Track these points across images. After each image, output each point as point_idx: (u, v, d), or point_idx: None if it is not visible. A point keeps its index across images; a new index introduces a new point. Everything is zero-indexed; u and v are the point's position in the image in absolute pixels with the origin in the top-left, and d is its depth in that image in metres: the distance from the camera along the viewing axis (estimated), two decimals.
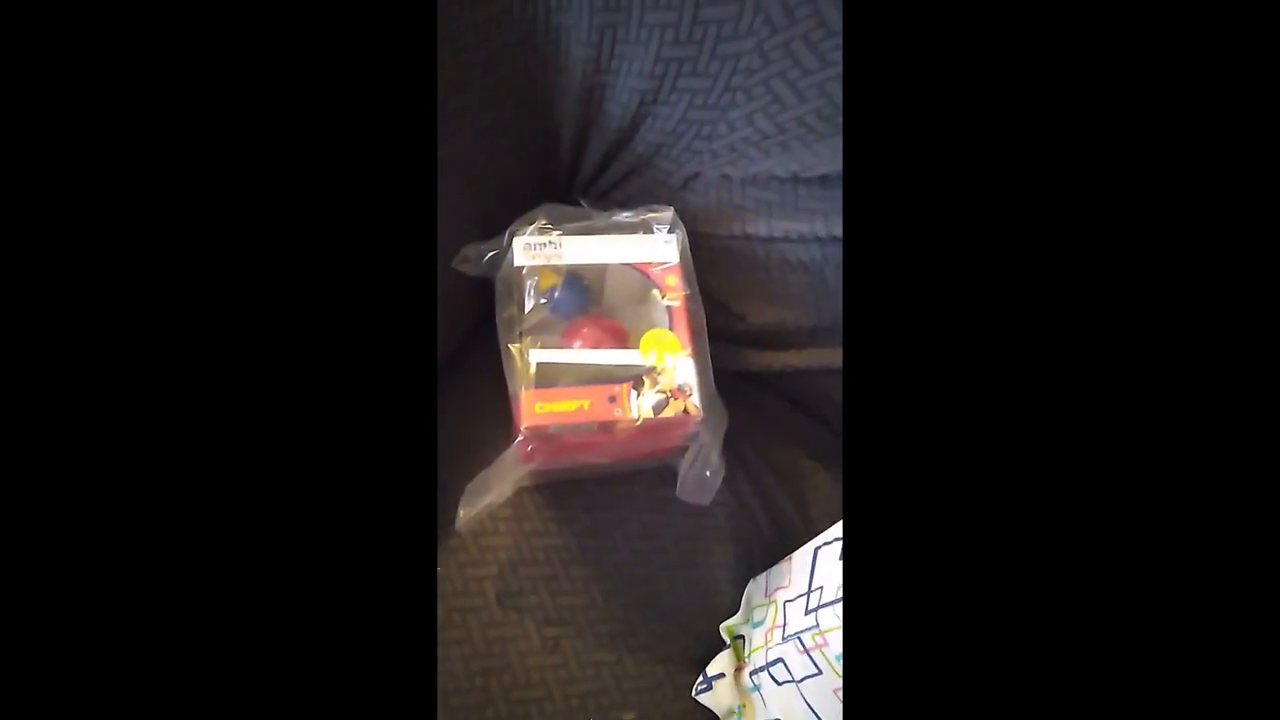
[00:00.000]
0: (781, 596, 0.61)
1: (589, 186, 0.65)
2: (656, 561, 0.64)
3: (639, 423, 0.54)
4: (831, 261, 0.59)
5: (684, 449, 0.60)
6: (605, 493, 0.65)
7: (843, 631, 0.42)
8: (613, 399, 0.55)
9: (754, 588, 0.66)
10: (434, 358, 0.53)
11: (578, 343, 0.59)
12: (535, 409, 0.54)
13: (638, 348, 0.57)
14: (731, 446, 0.70)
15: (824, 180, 0.55)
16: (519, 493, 0.63)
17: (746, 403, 0.70)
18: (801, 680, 0.57)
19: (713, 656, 0.63)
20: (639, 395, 0.55)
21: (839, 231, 0.56)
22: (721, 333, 0.67)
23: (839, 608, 0.51)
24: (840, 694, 0.54)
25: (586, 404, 0.54)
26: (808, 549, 0.62)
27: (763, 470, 0.69)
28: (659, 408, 0.55)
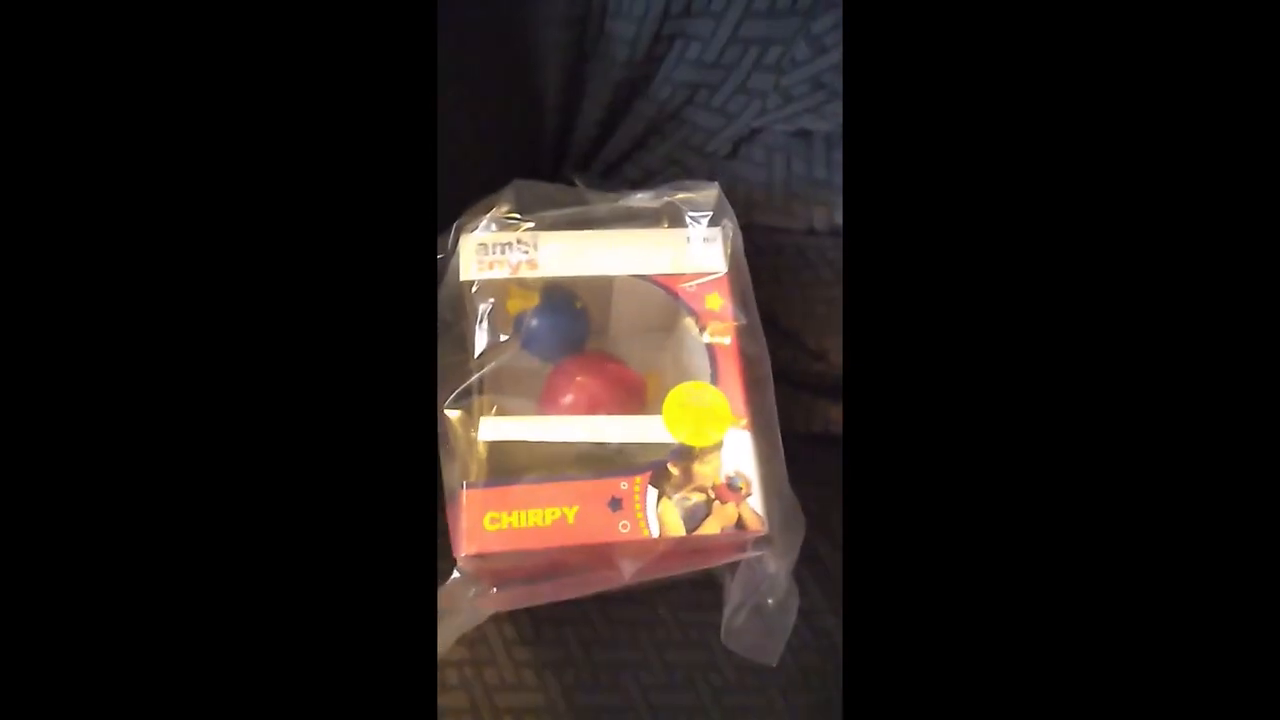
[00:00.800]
0: None
1: (587, 158, 0.43)
2: None
3: (661, 547, 0.33)
4: None
5: (733, 563, 0.38)
6: (612, 618, 0.44)
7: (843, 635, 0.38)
8: (616, 504, 0.33)
9: None
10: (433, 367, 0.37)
11: (568, 398, 0.37)
12: (485, 523, 0.32)
13: (659, 413, 0.35)
14: (804, 547, 0.48)
15: None
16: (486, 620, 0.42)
17: (827, 480, 0.49)
18: None
19: None
20: (661, 498, 0.33)
21: None
22: (792, 375, 0.45)
23: None
24: None
25: (571, 514, 0.33)
26: None
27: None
28: (695, 519, 0.33)
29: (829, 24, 0.35)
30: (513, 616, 0.44)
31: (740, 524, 0.34)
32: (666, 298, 0.38)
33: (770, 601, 0.39)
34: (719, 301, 0.38)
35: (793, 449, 0.45)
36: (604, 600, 0.45)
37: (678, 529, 0.33)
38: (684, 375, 0.37)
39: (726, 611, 0.39)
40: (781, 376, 0.43)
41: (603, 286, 0.39)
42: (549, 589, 0.35)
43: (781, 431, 0.39)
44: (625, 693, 0.43)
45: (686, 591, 0.46)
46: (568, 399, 0.38)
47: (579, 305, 0.40)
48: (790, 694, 0.45)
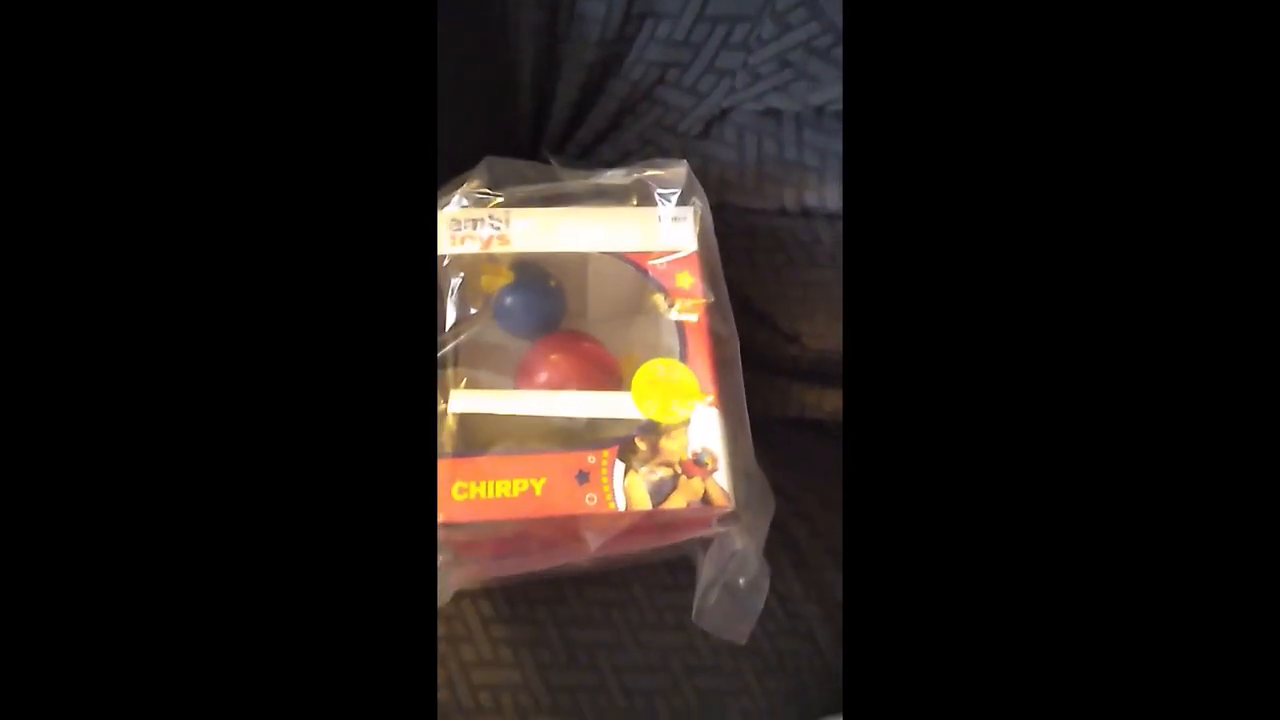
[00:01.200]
0: None
1: (562, 139, 0.43)
2: (665, 708, 0.42)
3: (626, 520, 0.33)
4: None
5: (706, 539, 0.39)
6: (587, 598, 0.44)
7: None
8: (583, 477, 0.33)
9: None
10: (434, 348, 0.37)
11: (542, 375, 0.37)
12: (454, 493, 0.33)
13: (629, 389, 0.35)
14: (777, 529, 0.48)
15: None
16: (455, 599, 0.42)
17: (800, 464, 0.49)
18: None
19: None
20: (628, 472, 0.34)
21: None
22: (763, 362, 0.45)
23: None
24: None
25: (538, 486, 0.33)
26: None
27: (823, 563, 0.47)
28: (661, 493, 0.33)
29: (793, 1, 0.35)
30: (489, 594, 0.44)
31: (706, 499, 0.34)
32: (636, 275, 0.38)
33: (741, 581, 0.39)
34: (689, 280, 0.38)
35: (768, 433, 0.46)
36: (580, 581, 0.45)
37: (644, 503, 0.33)
38: (653, 353, 0.37)
39: (698, 590, 0.40)
40: (755, 360, 0.44)
41: (578, 267, 0.40)
42: (515, 562, 0.36)
43: (756, 416, 0.40)
44: (599, 672, 0.43)
45: (661, 572, 0.46)
46: (542, 377, 0.39)
47: (553, 283, 0.40)
48: (764, 677, 0.45)
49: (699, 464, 0.34)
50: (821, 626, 0.47)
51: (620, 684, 0.44)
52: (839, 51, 0.35)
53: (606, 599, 0.46)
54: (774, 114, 0.38)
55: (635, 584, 0.46)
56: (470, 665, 0.43)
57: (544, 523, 0.34)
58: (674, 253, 0.38)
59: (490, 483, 0.33)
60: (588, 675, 0.43)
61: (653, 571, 0.46)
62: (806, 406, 0.46)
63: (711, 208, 0.39)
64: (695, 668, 0.45)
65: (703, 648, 0.46)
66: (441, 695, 0.42)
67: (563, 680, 0.43)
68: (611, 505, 0.33)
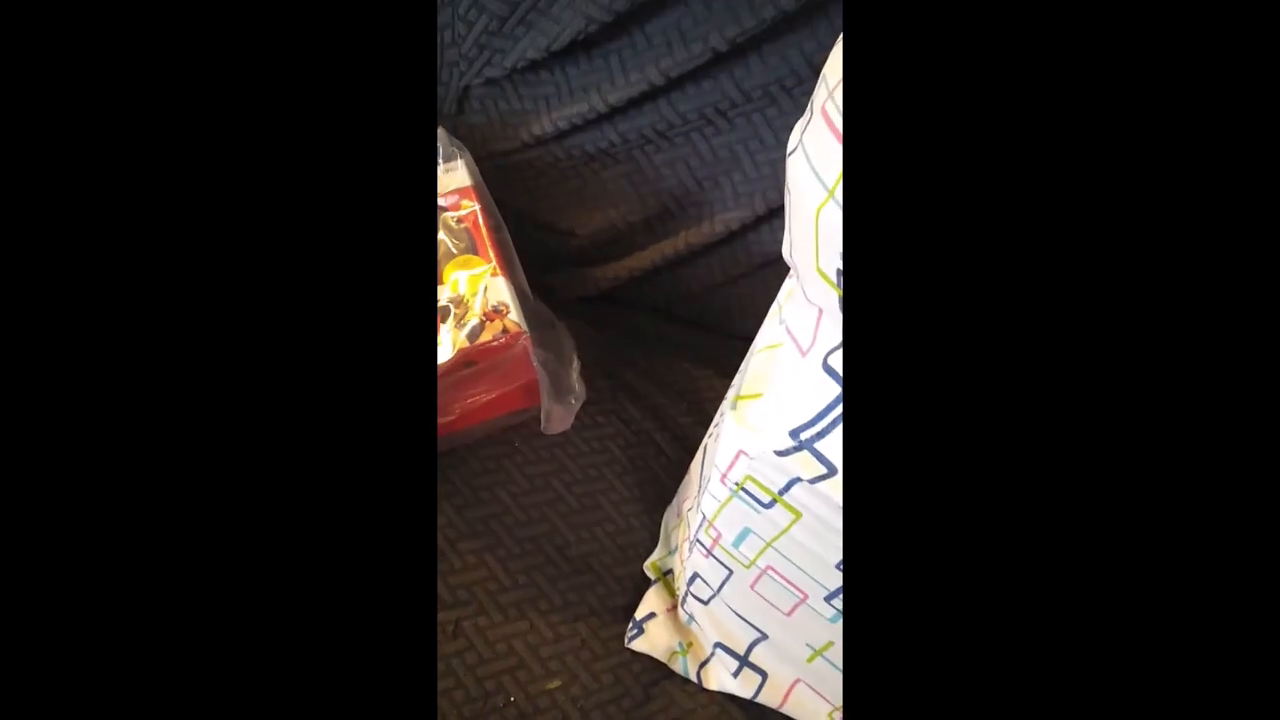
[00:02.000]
0: (686, 507, 0.55)
1: None
2: (553, 513, 0.58)
3: (454, 354, 0.49)
4: (630, 140, 0.54)
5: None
6: (480, 457, 0.59)
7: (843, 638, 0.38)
8: None
9: (669, 512, 0.60)
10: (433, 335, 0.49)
11: None
12: None
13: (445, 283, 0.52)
14: (608, 373, 0.65)
15: (576, 47, 0.50)
16: None
17: (611, 324, 0.65)
18: (720, 589, 0.51)
19: (640, 601, 0.56)
20: (452, 328, 0.50)
21: (616, 99, 0.51)
22: (559, 256, 0.62)
23: (715, 487, 0.45)
24: (757, 587, 0.48)
25: None
26: (700, 449, 0.56)
27: (649, 389, 0.64)
28: (475, 334, 0.50)
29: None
30: None
31: (505, 331, 0.51)
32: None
33: (569, 395, 0.55)
34: (470, 204, 0.55)
35: (574, 305, 0.62)
36: (474, 445, 0.60)
37: (464, 343, 0.50)
38: (455, 255, 0.54)
39: (543, 409, 0.56)
40: (546, 255, 0.60)
41: None
42: None
43: (554, 298, 0.55)
44: (498, 501, 0.58)
45: (532, 428, 0.60)
46: None
47: None
48: (624, 476, 0.61)
49: (497, 312, 0.51)
50: (659, 433, 0.63)
51: (518, 505, 0.59)
52: (510, 23, 0.52)
53: (496, 452, 0.61)
54: (495, 82, 0.55)
55: (514, 436, 0.62)
56: None
57: None
58: (456, 190, 0.55)
59: None
60: (490, 505, 0.59)
61: (525, 427, 0.62)
62: (599, 281, 0.62)
63: (479, 157, 0.56)
64: (570, 481, 0.61)
65: (573, 466, 0.61)
66: None
67: (474, 513, 0.58)
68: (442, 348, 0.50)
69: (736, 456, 0.41)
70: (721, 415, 0.48)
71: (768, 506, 0.42)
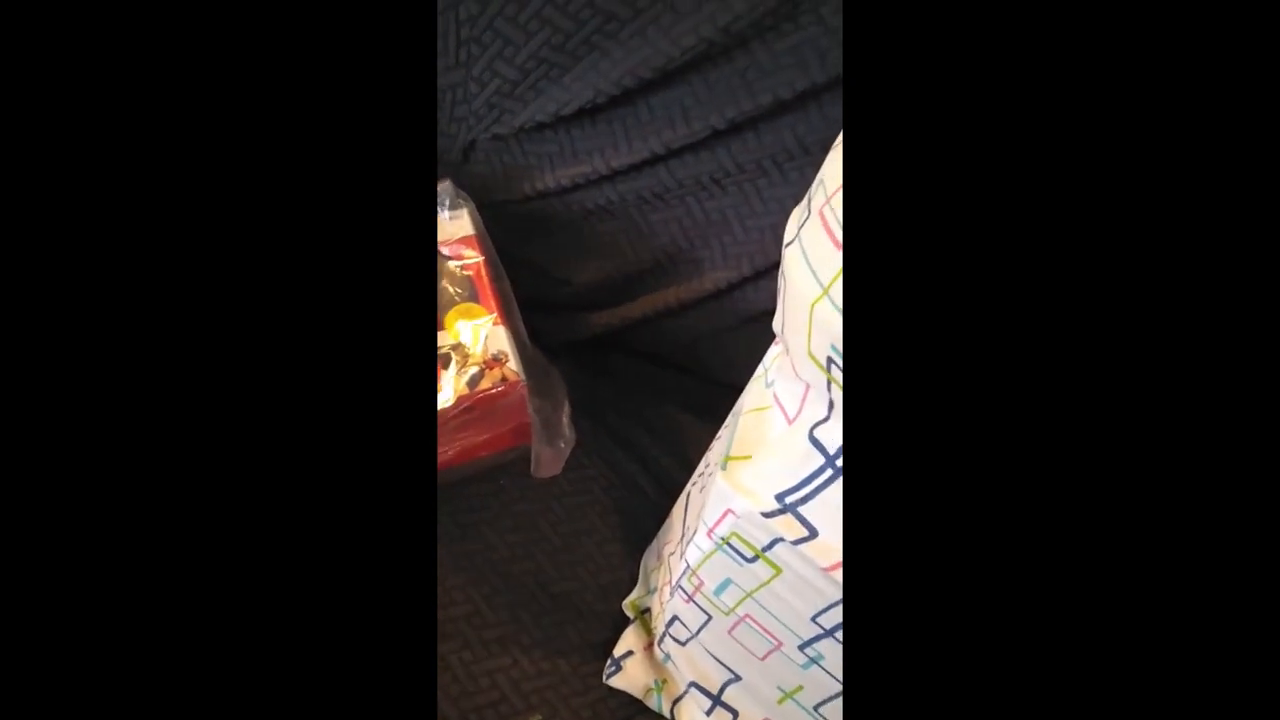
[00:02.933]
0: (667, 552, 0.57)
1: None
2: (538, 551, 0.60)
3: (453, 402, 0.51)
4: (628, 199, 0.57)
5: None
6: (469, 495, 0.61)
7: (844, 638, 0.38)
8: None
9: (649, 554, 0.62)
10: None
11: None
12: None
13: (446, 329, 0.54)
14: (595, 416, 0.67)
15: (583, 114, 0.53)
16: None
17: (601, 369, 0.68)
18: (698, 633, 0.53)
19: (619, 639, 0.59)
20: (454, 375, 0.52)
21: (618, 164, 0.54)
22: (552, 303, 0.65)
23: (701, 539, 0.47)
24: (734, 632, 0.51)
25: None
26: (683, 496, 0.58)
27: (635, 433, 0.66)
28: (475, 382, 0.52)
29: (478, 51, 0.55)
30: None
31: (504, 380, 0.53)
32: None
33: (558, 439, 0.58)
34: (472, 252, 0.57)
35: (565, 349, 0.65)
36: (463, 483, 0.62)
37: (464, 390, 0.52)
38: (457, 302, 0.56)
39: (534, 452, 0.58)
40: (541, 301, 0.63)
41: None
42: None
43: (546, 341, 0.58)
44: (485, 539, 0.60)
45: (521, 468, 0.62)
46: None
47: None
48: (606, 517, 0.64)
49: (497, 360, 0.53)
50: (642, 475, 0.66)
51: (504, 543, 0.61)
52: (521, 88, 0.55)
53: (484, 490, 0.63)
54: (502, 138, 0.58)
55: (502, 476, 0.64)
56: None
57: None
58: (459, 238, 0.57)
59: None
60: (476, 541, 0.60)
61: (513, 467, 0.64)
62: (591, 327, 0.65)
63: (481, 205, 0.59)
64: (555, 520, 0.63)
65: (558, 508, 0.63)
66: None
67: (460, 549, 0.60)
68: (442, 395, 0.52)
69: (725, 514, 0.43)
70: (708, 468, 0.51)
71: (750, 561, 0.45)
